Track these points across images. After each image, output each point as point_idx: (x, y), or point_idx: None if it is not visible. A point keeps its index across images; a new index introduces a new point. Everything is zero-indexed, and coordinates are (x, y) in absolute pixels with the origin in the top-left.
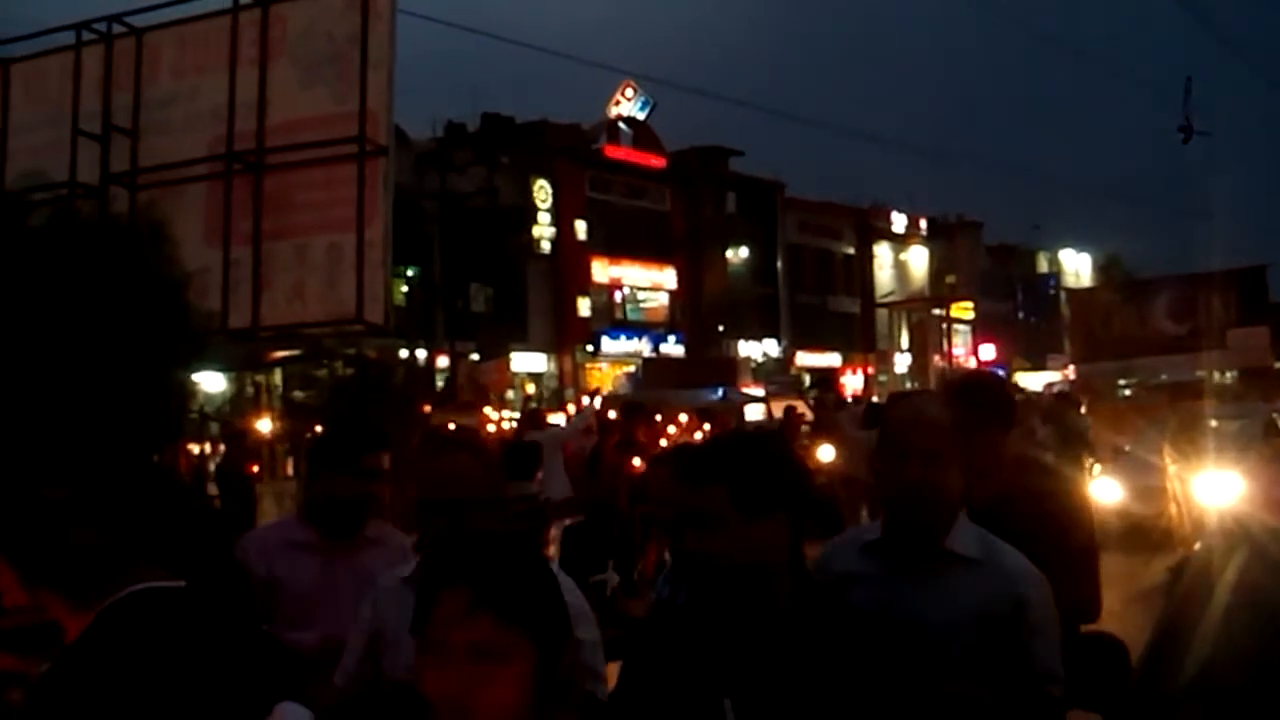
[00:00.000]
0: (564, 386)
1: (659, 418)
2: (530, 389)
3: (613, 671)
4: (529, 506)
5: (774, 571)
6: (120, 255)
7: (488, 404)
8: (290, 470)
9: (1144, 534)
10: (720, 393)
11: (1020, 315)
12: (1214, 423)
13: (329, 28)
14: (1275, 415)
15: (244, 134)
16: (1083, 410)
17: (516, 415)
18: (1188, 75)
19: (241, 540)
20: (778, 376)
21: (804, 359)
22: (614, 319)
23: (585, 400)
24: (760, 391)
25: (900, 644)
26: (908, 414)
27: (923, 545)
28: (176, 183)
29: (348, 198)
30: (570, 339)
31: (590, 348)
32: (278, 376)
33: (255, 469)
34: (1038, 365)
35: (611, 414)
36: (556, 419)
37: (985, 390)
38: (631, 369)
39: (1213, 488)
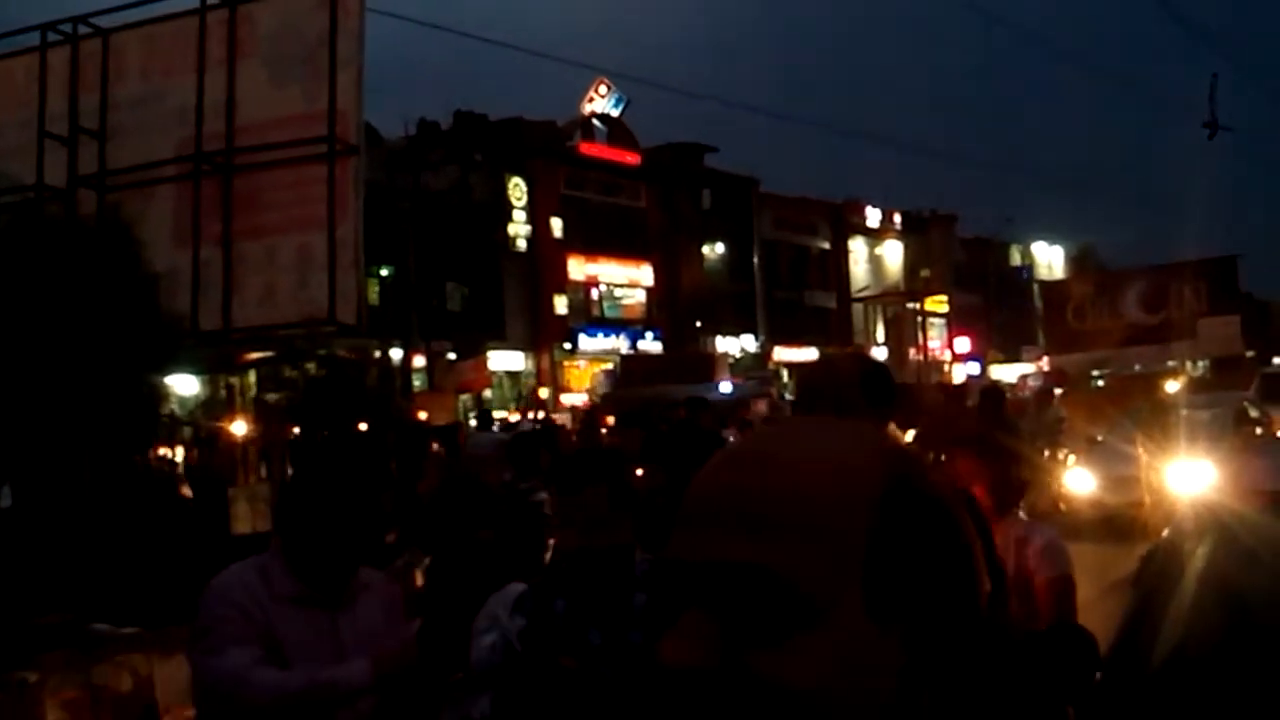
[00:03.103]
0: (542, 385)
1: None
2: (544, 393)
3: None
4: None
5: None
6: (85, 258)
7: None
8: (264, 473)
9: (1118, 523)
10: (728, 387)
11: (994, 307)
12: (1185, 412)
13: (298, 27)
14: (1246, 404)
15: (213, 135)
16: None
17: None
18: (1214, 72)
19: (218, 588)
20: (755, 371)
21: (781, 354)
22: (591, 316)
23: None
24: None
25: None
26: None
27: None
28: (145, 184)
29: (318, 197)
30: (547, 337)
31: (568, 345)
32: (251, 378)
33: (230, 471)
34: (1012, 357)
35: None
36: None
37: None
38: (609, 366)
39: (1185, 477)
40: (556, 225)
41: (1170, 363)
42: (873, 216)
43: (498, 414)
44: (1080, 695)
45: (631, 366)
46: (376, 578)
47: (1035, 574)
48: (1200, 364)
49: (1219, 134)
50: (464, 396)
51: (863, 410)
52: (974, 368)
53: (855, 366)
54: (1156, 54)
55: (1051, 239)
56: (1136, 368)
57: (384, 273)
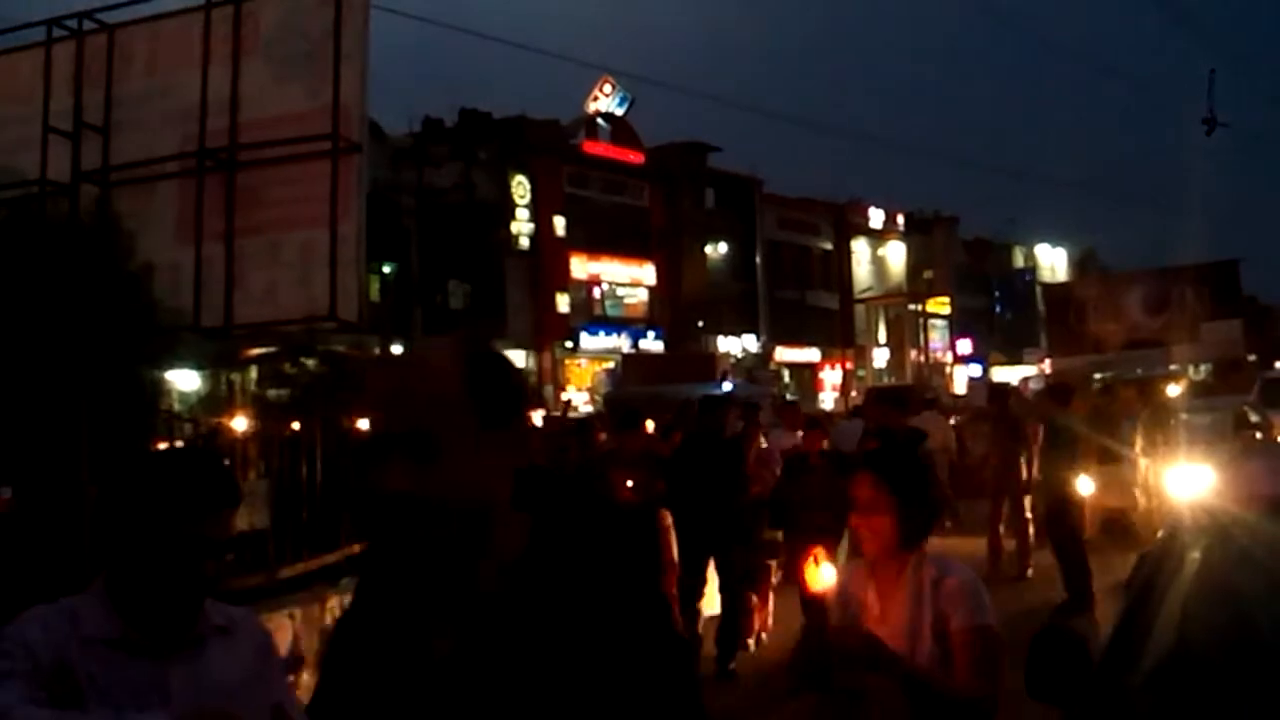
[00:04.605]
0: (543, 383)
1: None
2: (565, 396)
3: None
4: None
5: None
6: (77, 251)
7: None
8: (263, 470)
9: (1117, 527)
10: (729, 387)
11: (996, 310)
12: (1185, 415)
13: (302, 23)
14: (1246, 408)
15: (217, 131)
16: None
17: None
18: (1211, 68)
19: (10, 627)
20: (757, 371)
21: (783, 354)
22: (593, 315)
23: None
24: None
25: None
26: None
27: None
28: (149, 180)
29: (321, 194)
30: (549, 335)
31: (569, 344)
32: (253, 374)
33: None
34: (1014, 359)
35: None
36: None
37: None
38: (611, 365)
39: (1184, 480)
40: (559, 223)
41: (1172, 366)
42: (875, 217)
43: None
44: (1071, 698)
45: (633, 365)
46: (242, 618)
47: (950, 619)
48: (1202, 368)
49: (1221, 136)
50: None
51: (473, 432)
52: (976, 369)
53: (454, 366)
54: (1163, 56)
55: (1055, 241)
56: (1138, 371)
57: (386, 269)
